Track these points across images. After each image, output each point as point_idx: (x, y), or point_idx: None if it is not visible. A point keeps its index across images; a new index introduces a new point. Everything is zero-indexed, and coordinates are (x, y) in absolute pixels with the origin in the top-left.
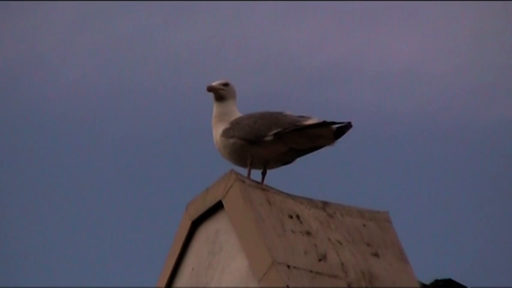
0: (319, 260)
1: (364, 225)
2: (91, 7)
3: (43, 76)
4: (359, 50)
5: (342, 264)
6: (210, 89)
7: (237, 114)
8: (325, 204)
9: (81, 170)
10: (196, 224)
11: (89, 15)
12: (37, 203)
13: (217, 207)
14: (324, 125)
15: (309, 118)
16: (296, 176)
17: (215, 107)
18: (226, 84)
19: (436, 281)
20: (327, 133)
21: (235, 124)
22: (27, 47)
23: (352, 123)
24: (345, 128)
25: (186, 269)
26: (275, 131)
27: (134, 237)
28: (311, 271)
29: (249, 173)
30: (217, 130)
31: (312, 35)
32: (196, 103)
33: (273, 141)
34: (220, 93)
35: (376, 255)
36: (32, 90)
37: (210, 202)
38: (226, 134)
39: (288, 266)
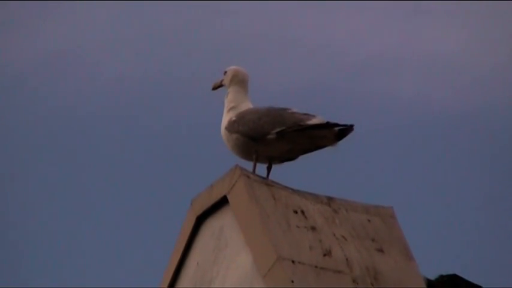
0: (324, 256)
1: (369, 221)
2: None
3: (85, 70)
4: (405, 41)
5: (347, 259)
6: (214, 88)
7: (245, 103)
8: (330, 200)
9: (88, 166)
10: (201, 219)
11: (131, 8)
12: (39, 199)
13: (222, 202)
14: (326, 126)
15: (313, 117)
16: (301, 171)
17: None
18: (225, 72)
19: (441, 276)
20: (329, 134)
21: (240, 117)
22: (69, 42)
23: (354, 127)
24: (346, 130)
25: (191, 265)
26: (278, 129)
27: (139, 233)
28: (316, 266)
29: (254, 168)
30: (224, 119)
31: (358, 27)
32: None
33: (275, 140)
34: (223, 85)
35: (380, 250)
36: (74, 84)
37: (215, 198)
38: (230, 127)
39: (293, 262)
